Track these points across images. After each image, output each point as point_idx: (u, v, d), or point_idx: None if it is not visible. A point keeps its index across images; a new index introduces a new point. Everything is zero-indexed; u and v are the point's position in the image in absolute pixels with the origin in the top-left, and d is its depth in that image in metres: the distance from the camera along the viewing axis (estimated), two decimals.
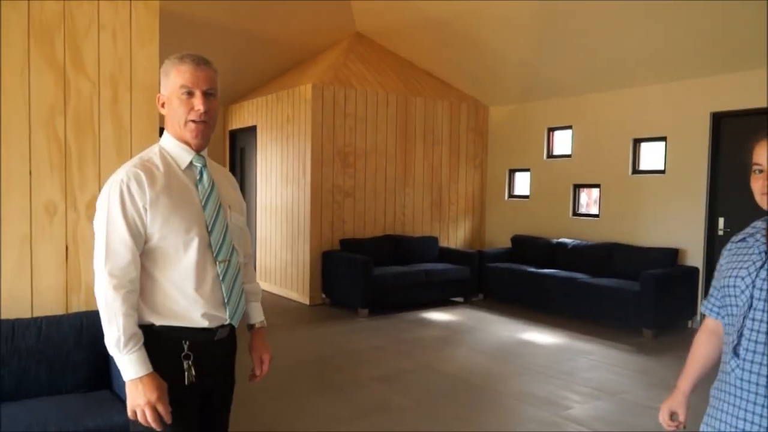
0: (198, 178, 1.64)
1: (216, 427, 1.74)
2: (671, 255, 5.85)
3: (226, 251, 1.63)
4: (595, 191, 6.96)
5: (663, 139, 6.16)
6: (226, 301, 1.63)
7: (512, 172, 7.91)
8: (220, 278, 1.62)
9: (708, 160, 5.76)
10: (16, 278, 2.76)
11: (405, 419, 3.52)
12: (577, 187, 7.09)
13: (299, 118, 6.83)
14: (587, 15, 5.43)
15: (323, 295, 6.77)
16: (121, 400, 2.50)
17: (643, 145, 6.45)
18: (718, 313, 1.51)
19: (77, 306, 2.92)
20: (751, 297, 1.29)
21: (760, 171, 1.36)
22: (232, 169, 8.72)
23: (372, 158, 7.09)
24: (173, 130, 1.63)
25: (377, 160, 7.13)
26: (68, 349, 2.66)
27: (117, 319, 1.47)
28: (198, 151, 1.64)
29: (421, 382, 4.17)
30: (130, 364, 1.48)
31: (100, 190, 1.57)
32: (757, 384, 1.25)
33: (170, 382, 1.53)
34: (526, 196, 7.67)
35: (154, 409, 1.47)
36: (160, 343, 1.55)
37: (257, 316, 1.89)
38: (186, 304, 1.58)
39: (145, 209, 1.52)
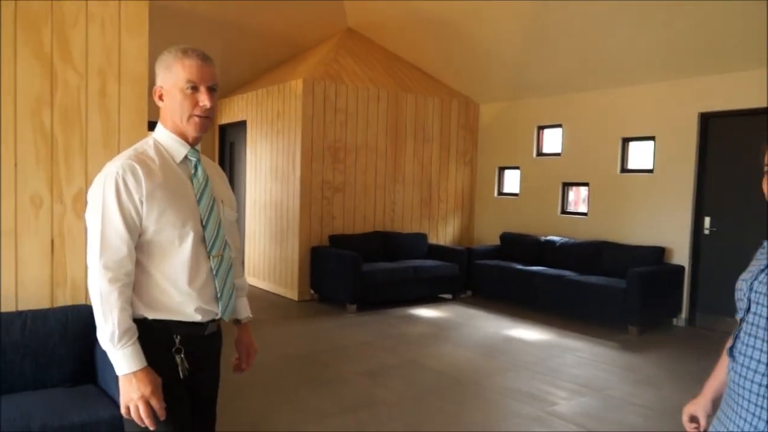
0: (193, 172, 1.64)
1: (204, 420, 1.74)
2: (658, 253, 5.91)
3: (220, 246, 1.63)
4: (584, 189, 7.01)
5: (651, 138, 6.21)
6: (219, 295, 1.64)
7: (502, 169, 7.94)
8: (214, 273, 1.62)
9: (695, 159, 5.81)
10: (1, 272, 2.74)
11: (391, 415, 3.53)
12: (566, 186, 7.13)
13: (289, 113, 6.81)
14: (578, 14, 5.46)
15: (312, 291, 6.77)
16: (107, 395, 2.49)
17: (632, 144, 6.50)
18: None
19: (63, 300, 2.90)
20: (749, 300, 1.30)
21: None
22: (222, 164, 8.67)
23: (362, 154, 7.08)
24: (171, 123, 1.61)
25: (367, 156, 7.13)
26: (54, 343, 2.64)
27: (112, 314, 1.46)
28: (193, 145, 1.64)
29: (408, 378, 4.18)
30: (124, 359, 1.47)
31: (87, 184, 1.55)
32: (750, 386, 1.25)
33: (163, 375, 1.52)
34: (516, 194, 7.70)
35: (148, 404, 1.46)
36: (152, 337, 1.54)
37: (244, 311, 1.88)
38: (179, 298, 1.58)
39: (141, 202, 1.51)
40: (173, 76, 1.57)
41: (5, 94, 2.71)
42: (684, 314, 5.90)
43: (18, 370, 2.56)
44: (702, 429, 1.61)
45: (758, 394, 1.23)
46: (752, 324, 1.27)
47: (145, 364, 1.49)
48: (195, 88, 1.57)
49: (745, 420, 1.26)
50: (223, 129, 8.57)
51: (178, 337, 1.58)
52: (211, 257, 1.61)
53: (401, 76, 7.59)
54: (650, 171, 6.22)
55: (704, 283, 5.82)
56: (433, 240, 7.72)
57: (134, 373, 1.47)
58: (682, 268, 5.88)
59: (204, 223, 1.60)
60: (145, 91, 3.01)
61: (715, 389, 1.59)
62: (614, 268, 6.04)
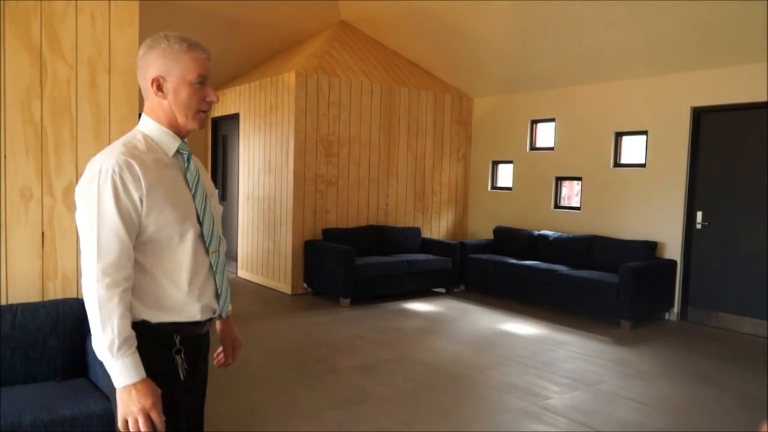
0: (185, 166, 1.57)
1: (197, 419, 1.71)
2: (650, 248, 5.93)
3: (216, 241, 1.60)
4: (577, 184, 7.02)
5: (644, 133, 6.22)
6: (219, 292, 1.61)
7: (495, 163, 7.94)
8: (213, 269, 1.59)
9: (688, 154, 5.83)
10: None
11: (384, 409, 3.53)
12: (559, 180, 7.15)
13: (282, 106, 6.78)
14: (571, 8, 5.45)
15: (305, 285, 6.76)
16: (98, 389, 2.47)
17: (625, 139, 6.51)
18: None
19: (53, 293, 2.87)
20: None
21: None
22: (215, 157, 8.64)
23: (355, 147, 7.06)
24: (167, 116, 1.54)
25: (361, 150, 7.11)
26: (44, 336, 2.62)
27: (111, 321, 1.38)
28: (183, 138, 1.59)
29: (401, 372, 4.19)
30: (123, 370, 1.39)
31: (77, 176, 1.50)
32: None
33: (162, 378, 1.47)
34: (509, 188, 7.70)
35: (148, 417, 1.40)
36: (153, 340, 1.48)
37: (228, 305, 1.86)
38: (182, 297, 1.52)
39: (141, 200, 1.43)
40: (181, 69, 1.50)
41: None
42: (676, 309, 5.93)
43: (8, 363, 2.54)
44: None
45: None
46: None
47: (144, 374, 1.41)
48: (203, 83, 1.53)
49: None
50: (216, 122, 8.52)
51: (178, 337, 1.53)
52: (209, 253, 1.58)
53: (395, 69, 7.56)
54: (643, 165, 6.23)
55: (696, 278, 5.86)
56: (426, 234, 7.72)
57: (134, 384, 1.39)
58: (674, 262, 5.90)
59: (201, 219, 1.55)
60: (136, 82, 2.97)
61: None
62: (607, 262, 6.06)
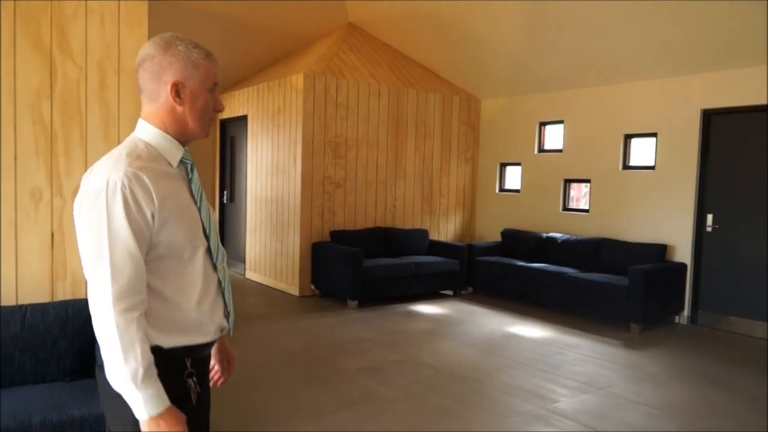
0: (189, 177, 1.47)
1: (202, 428, 1.62)
2: (660, 251, 5.89)
3: (222, 256, 1.52)
4: (585, 186, 6.99)
5: (654, 135, 6.18)
6: (228, 309, 1.53)
7: (503, 165, 7.92)
8: (222, 286, 1.51)
9: (698, 156, 5.79)
10: (1, 265, 2.72)
11: (391, 411, 3.52)
12: (568, 182, 7.11)
13: (290, 108, 6.79)
14: (580, 9, 5.42)
15: (313, 287, 6.75)
16: None
17: (634, 141, 6.47)
18: None
19: (63, 294, 2.88)
20: None
21: None
22: (223, 159, 8.66)
23: (363, 149, 7.06)
24: (176, 124, 1.44)
25: (368, 152, 7.11)
26: (53, 337, 2.63)
27: (134, 349, 1.26)
28: (185, 146, 1.49)
29: (409, 375, 4.17)
30: (150, 400, 1.28)
31: (81, 193, 1.36)
32: None
33: (176, 404, 1.38)
34: (517, 190, 7.68)
35: None
36: (165, 366, 1.37)
37: None
38: (195, 318, 1.43)
39: (153, 217, 1.31)
40: (201, 75, 1.42)
41: (5, 87, 2.69)
42: (686, 312, 5.89)
43: (18, 364, 2.55)
44: None
45: None
46: None
47: (169, 402, 1.31)
48: (213, 91, 1.48)
49: None
50: (224, 124, 8.55)
51: (190, 360, 1.44)
52: (216, 269, 1.49)
53: (402, 71, 7.56)
54: (652, 168, 6.19)
55: (707, 281, 5.81)
56: (434, 236, 7.70)
57: (161, 414, 1.29)
58: (684, 265, 5.86)
59: (207, 233, 1.45)
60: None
61: None
62: (616, 265, 6.02)
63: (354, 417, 3.41)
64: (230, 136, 8.49)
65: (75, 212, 1.36)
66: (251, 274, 7.75)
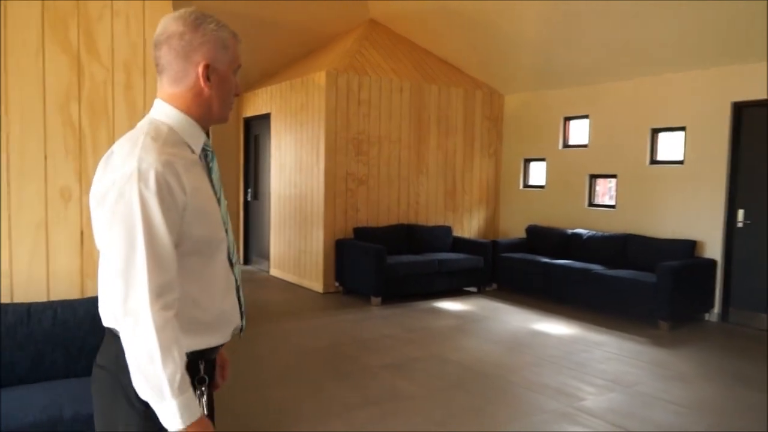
0: (209, 166, 1.36)
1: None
2: (689, 247, 5.77)
3: (236, 252, 1.43)
4: (612, 182, 6.88)
5: (682, 129, 6.05)
6: (242, 308, 1.45)
7: (527, 161, 7.84)
8: (237, 283, 1.42)
9: (728, 150, 5.65)
10: (32, 262, 2.79)
11: (416, 408, 3.51)
12: (593, 178, 7.01)
13: (313, 106, 6.81)
14: (606, 1, 5.33)
15: (336, 284, 6.78)
16: None
17: (662, 135, 6.35)
18: None
19: (92, 291, 2.94)
20: None
21: None
22: (246, 157, 8.73)
23: (386, 146, 7.05)
24: (207, 106, 1.33)
25: (391, 148, 7.10)
26: (84, 333, 2.68)
27: (172, 351, 1.15)
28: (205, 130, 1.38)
29: (433, 371, 4.16)
30: (186, 406, 1.17)
31: (106, 179, 1.26)
32: None
33: None
34: (542, 186, 7.59)
35: None
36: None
37: None
38: (218, 317, 1.34)
39: (185, 209, 1.22)
40: (229, 57, 1.34)
41: (35, 89, 2.75)
42: (717, 309, 5.76)
43: (50, 359, 2.61)
44: None
45: None
46: None
47: (201, 409, 1.21)
48: (236, 73, 1.40)
49: None
50: (248, 122, 8.62)
51: (203, 364, 1.34)
52: (233, 266, 1.40)
53: (424, 67, 7.52)
54: (681, 162, 6.06)
55: (738, 278, 5.67)
56: (457, 232, 7.66)
57: (198, 421, 1.19)
58: (714, 262, 5.73)
59: (226, 228, 1.36)
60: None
61: None
62: (643, 261, 5.92)
63: (380, 413, 3.41)
64: (254, 134, 8.56)
65: (95, 202, 1.25)
66: (275, 272, 7.81)
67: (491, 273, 7.01)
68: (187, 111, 1.32)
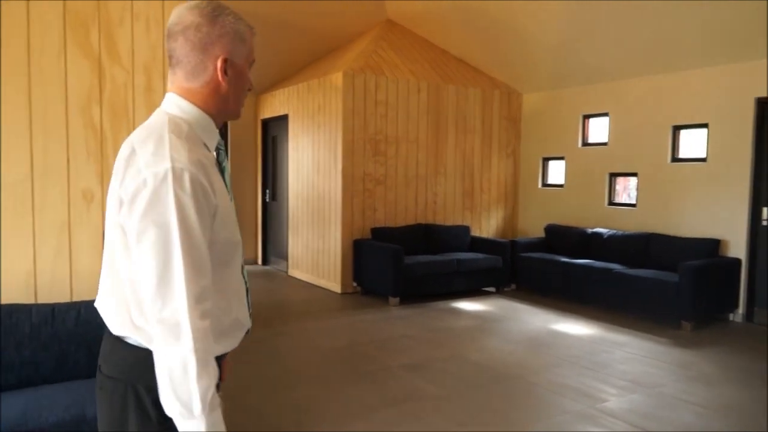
0: (222, 165, 1.31)
1: None
2: (712, 246, 5.67)
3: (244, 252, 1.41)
4: (633, 180, 6.79)
5: (704, 125, 5.95)
6: (250, 310, 1.39)
7: (546, 160, 7.77)
8: (246, 285, 1.37)
9: (752, 147, 5.54)
10: (55, 263, 2.83)
11: (437, 408, 3.50)
12: (614, 176, 6.93)
13: (330, 107, 6.82)
14: None
15: (354, 284, 6.78)
16: None
17: (683, 133, 6.25)
18: None
19: None
20: None
21: None
22: (264, 158, 8.78)
23: (403, 146, 7.04)
24: (223, 102, 1.28)
25: (408, 148, 7.09)
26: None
27: (208, 365, 1.10)
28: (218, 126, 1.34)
29: (453, 372, 4.14)
30: (217, 425, 1.11)
31: (133, 179, 1.20)
32: None
33: None
34: (561, 185, 7.52)
35: None
36: None
37: None
38: (235, 322, 1.30)
39: (215, 212, 1.18)
40: (246, 50, 1.30)
41: (57, 92, 2.79)
42: (741, 310, 5.65)
43: (73, 359, 2.64)
44: None
45: None
46: None
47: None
48: (250, 67, 1.36)
49: None
50: (266, 123, 8.66)
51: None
52: (243, 268, 1.36)
53: (442, 66, 7.50)
54: (703, 160, 5.96)
55: (763, 277, 5.56)
56: (475, 232, 7.63)
57: None
58: (738, 261, 5.62)
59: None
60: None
61: None
62: (665, 261, 5.83)
63: (400, 414, 3.40)
64: (272, 136, 8.60)
65: (116, 202, 1.19)
66: (294, 272, 7.84)
67: (510, 273, 6.96)
68: (204, 107, 1.27)
